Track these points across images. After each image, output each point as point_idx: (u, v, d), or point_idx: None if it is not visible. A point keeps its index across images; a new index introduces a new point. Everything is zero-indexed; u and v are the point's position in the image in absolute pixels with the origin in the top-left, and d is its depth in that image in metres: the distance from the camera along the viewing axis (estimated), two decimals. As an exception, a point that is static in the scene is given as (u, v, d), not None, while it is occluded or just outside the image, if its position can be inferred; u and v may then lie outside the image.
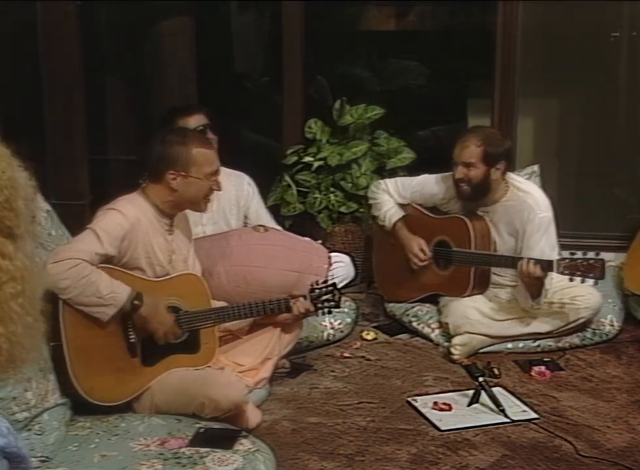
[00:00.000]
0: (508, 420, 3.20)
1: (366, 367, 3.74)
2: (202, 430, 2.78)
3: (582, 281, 3.54)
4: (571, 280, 3.57)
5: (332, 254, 3.87)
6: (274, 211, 4.39)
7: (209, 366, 3.12)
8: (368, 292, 4.55)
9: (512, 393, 3.43)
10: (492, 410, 3.25)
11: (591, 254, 3.54)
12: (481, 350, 3.82)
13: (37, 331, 1.50)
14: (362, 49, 6.15)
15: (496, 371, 3.59)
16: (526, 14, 4.54)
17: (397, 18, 6.06)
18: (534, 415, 3.26)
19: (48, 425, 2.69)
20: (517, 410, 3.29)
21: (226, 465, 2.56)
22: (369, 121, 4.71)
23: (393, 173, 4.51)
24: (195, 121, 3.80)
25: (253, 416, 3.08)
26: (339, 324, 3.98)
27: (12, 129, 4.37)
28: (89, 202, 4.36)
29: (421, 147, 4.86)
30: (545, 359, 3.74)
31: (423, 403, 3.35)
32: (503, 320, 3.87)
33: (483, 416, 3.24)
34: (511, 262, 3.76)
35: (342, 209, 4.57)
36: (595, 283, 3.56)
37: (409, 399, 3.40)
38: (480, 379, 3.30)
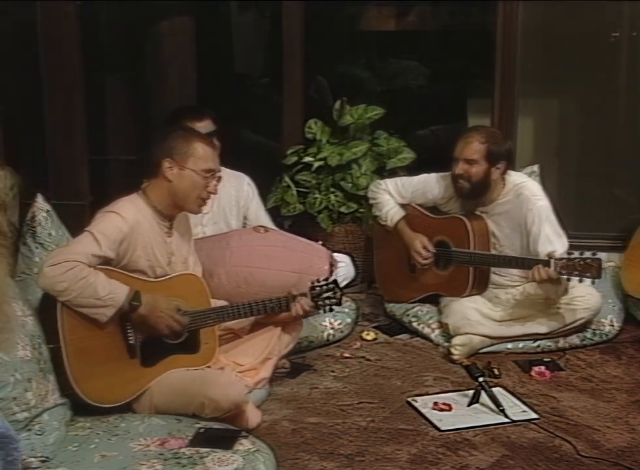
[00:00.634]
0: (508, 420, 3.20)
1: (366, 367, 3.74)
2: (202, 430, 2.78)
3: (580, 281, 3.54)
4: (568, 280, 3.57)
5: (333, 254, 3.86)
6: (274, 211, 4.39)
7: (209, 366, 3.12)
8: (368, 292, 4.55)
9: (512, 394, 3.43)
10: (492, 410, 3.25)
11: (587, 254, 3.54)
12: (481, 351, 3.82)
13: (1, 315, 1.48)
14: (362, 49, 6.15)
15: (496, 371, 3.59)
16: (526, 13, 4.54)
17: (397, 18, 6.06)
18: (534, 415, 3.26)
19: (48, 425, 2.70)
20: (517, 410, 3.29)
21: (226, 465, 2.56)
22: (369, 121, 4.71)
23: (393, 173, 4.51)
24: (204, 126, 3.76)
25: (253, 416, 3.08)
26: (339, 324, 3.99)
27: (12, 129, 4.39)
28: (89, 202, 4.36)
29: (421, 147, 4.86)
30: (545, 359, 3.74)
31: (423, 403, 3.35)
32: (503, 321, 3.87)
33: (483, 416, 3.24)
34: (510, 262, 3.76)
35: (342, 209, 4.58)
36: (593, 283, 3.57)
37: (409, 399, 3.40)
38: (480, 379, 3.30)
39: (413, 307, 4.13)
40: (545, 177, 4.40)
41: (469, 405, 3.30)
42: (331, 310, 3.42)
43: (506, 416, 3.21)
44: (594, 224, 4.65)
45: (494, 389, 3.33)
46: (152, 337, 3.01)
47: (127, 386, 2.97)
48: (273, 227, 3.91)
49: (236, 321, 3.26)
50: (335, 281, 3.40)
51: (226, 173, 3.62)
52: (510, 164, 3.91)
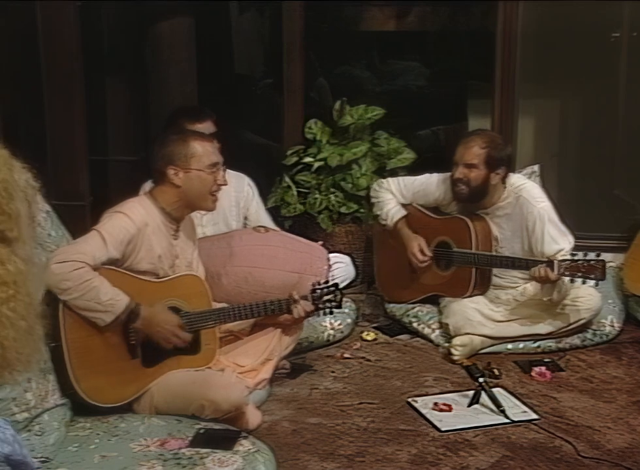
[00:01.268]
0: (508, 421, 3.20)
1: (366, 368, 3.74)
2: (202, 431, 2.78)
3: (583, 282, 3.54)
4: (572, 281, 3.57)
5: (332, 254, 3.88)
6: (274, 212, 4.39)
7: (209, 367, 3.12)
8: (368, 292, 4.55)
9: (513, 394, 3.43)
10: (492, 410, 3.26)
11: (591, 255, 3.54)
12: (481, 351, 3.82)
13: (33, 336, 1.48)
14: (362, 49, 6.15)
15: (496, 372, 3.59)
16: (526, 14, 4.54)
17: (397, 19, 6.06)
18: (534, 416, 3.26)
19: (48, 425, 2.70)
20: (517, 410, 3.29)
21: (226, 466, 2.56)
22: (369, 121, 4.71)
23: (393, 173, 4.51)
24: (205, 128, 3.76)
25: (253, 417, 3.08)
26: (340, 324, 3.99)
27: (11, 130, 4.39)
28: (89, 203, 4.36)
29: (423, 147, 4.86)
30: (545, 360, 3.74)
31: (423, 404, 3.35)
32: (503, 321, 3.87)
33: (483, 416, 3.24)
34: (513, 262, 3.76)
35: (342, 209, 4.58)
36: (596, 284, 3.57)
37: (409, 399, 3.40)
38: (481, 380, 3.30)
39: (413, 308, 4.13)
40: (545, 178, 4.40)
41: (469, 406, 3.30)
42: (331, 312, 3.42)
43: (506, 417, 3.22)
44: (594, 225, 4.65)
45: (494, 389, 3.34)
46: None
47: (127, 386, 2.97)
48: (274, 227, 3.91)
49: (236, 323, 3.26)
50: (336, 284, 3.40)
51: (226, 174, 3.62)
52: (509, 170, 3.89)
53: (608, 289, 4.13)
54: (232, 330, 3.32)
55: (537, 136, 4.87)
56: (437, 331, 3.95)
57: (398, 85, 6.09)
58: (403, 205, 4.14)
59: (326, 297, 3.34)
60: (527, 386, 3.53)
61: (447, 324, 3.86)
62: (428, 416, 3.26)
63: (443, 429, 3.16)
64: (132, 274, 2.99)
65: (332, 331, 3.95)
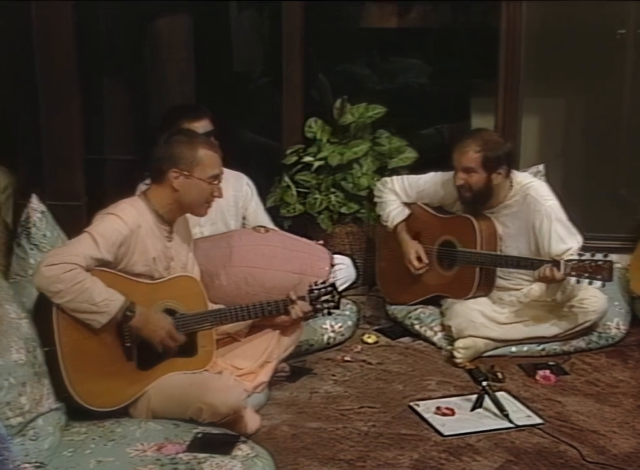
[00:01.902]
0: (512, 425, 3.19)
1: (367, 371, 3.73)
2: (199, 435, 2.78)
3: (590, 283, 3.53)
4: (578, 282, 3.56)
5: (333, 256, 3.86)
6: (273, 212, 4.38)
7: (206, 370, 3.11)
8: (370, 294, 4.55)
9: (517, 398, 3.42)
10: (495, 415, 3.25)
11: (599, 256, 3.53)
12: (485, 354, 3.81)
13: None
14: (363, 47, 6.14)
15: (500, 375, 3.59)
16: (530, 11, 4.54)
17: (398, 15, 6.05)
18: (539, 420, 3.25)
19: (43, 430, 2.69)
20: (521, 415, 3.28)
21: (225, 471, 2.56)
22: (370, 120, 4.71)
23: (395, 173, 4.49)
24: (202, 126, 3.77)
25: (252, 421, 3.07)
26: (340, 327, 3.98)
27: (6, 128, 4.39)
28: (85, 203, 4.35)
29: (426, 146, 4.85)
30: (550, 363, 3.74)
31: (425, 408, 3.34)
32: (507, 324, 3.87)
33: (487, 421, 3.23)
34: (519, 262, 3.75)
35: (343, 210, 4.57)
36: (603, 285, 3.56)
37: (411, 403, 3.39)
38: (484, 383, 3.30)
39: (415, 309, 4.12)
40: (550, 177, 4.39)
41: (472, 410, 3.30)
42: (329, 313, 3.41)
43: (510, 421, 3.21)
44: (599, 225, 4.64)
45: (497, 393, 3.33)
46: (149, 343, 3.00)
47: (123, 390, 2.96)
48: (274, 227, 3.91)
49: (232, 324, 3.25)
50: (333, 284, 3.39)
51: (225, 173, 3.60)
52: (511, 167, 3.88)
53: (614, 291, 4.12)
54: (229, 332, 3.31)
55: (542, 135, 4.87)
56: (440, 334, 3.95)
57: (399, 83, 6.07)
58: (407, 204, 4.13)
59: (323, 298, 3.33)
60: (531, 390, 3.52)
61: (449, 326, 3.86)
62: (430, 420, 3.25)
63: (445, 433, 3.15)
64: (125, 276, 2.98)
65: (332, 334, 3.95)
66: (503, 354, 3.83)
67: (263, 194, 4.22)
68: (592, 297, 3.78)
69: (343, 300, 3.83)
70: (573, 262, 3.53)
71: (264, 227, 3.74)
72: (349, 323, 4.05)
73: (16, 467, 1.97)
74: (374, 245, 4.46)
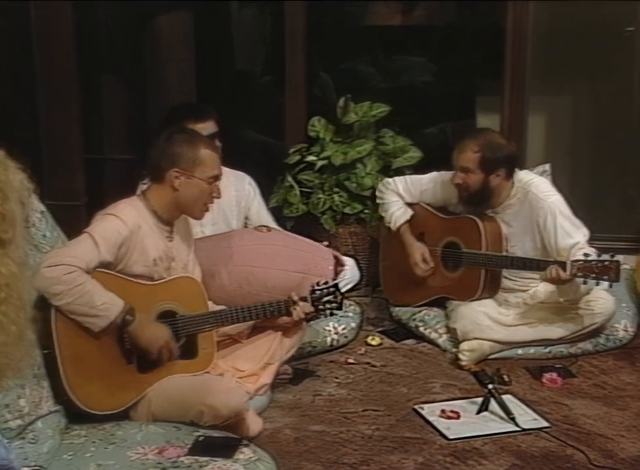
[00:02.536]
0: (518, 429, 3.19)
1: (370, 374, 3.73)
2: (201, 438, 2.77)
3: (597, 284, 3.52)
4: (585, 282, 3.55)
5: (339, 256, 3.86)
6: (276, 212, 4.38)
7: (207, 372, 3.11)
8: (373, 295, 4.55)
9: (523, 401, 3.42)
10: (501, 418, 3.25)
11: (605, 256, 3.52)
12: (491, 357, 3.81)
13: (24, 341, 1.47)
14: (366, 45, 6.14)
15: (506, 378, 3.58)
16: (536, 10, 4.54)
17: (403, 13, 6.05)
18: (545, 423, 3.25)
19: (42, 433, 2.69)
20: (528, 418, 3.28)
21: (227, 475, 2.56)
22: (374, 119, 4.70)
23: (399, 173, 4.49)
24: (206, 127, 3.76)
25: (254, 424, 3.07)
26: (344, 329, 3.98)
27: (5, 127, 4.39)
28: (85, 203, 4.36)
29: (431, 145, 4.85)
30: (557, 365, 3.73)
31: (430, 411, 3.34)
32: (513, 326, 3.86)
33: (492, 424, 3.23)
34: (524, 263, 3.75)
35: (346, 210, 4.57)
36: (610, 286, 3.55)
37: (415, 406, 3.39)
38: (490, 386, 3.29)
39: (420, 311, 4.12)
40: (557, 177, 4.39)
41: (478, 413, 3.29)
42: (332, 314, 3.41)
43: (516, 425, 3.21)
44: (606, 226, 4.63)
45: (503, 396, 3.32)
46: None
47: (123, 393, 2.96)
48: (276, 227, 3.91)
49: (233, 326, 3.25)
50: (336, 285, 3.39)
51: (226, 172, 3.61)
52: (512, 170, 3.85)
53: (621, 293, 4.12)
54: (230, 333, 3.31)
55: (548, 134, 4.87)
56: (445, 336, 3.94)
57: (404, 81, 6.07)
58: (410, 205, 4.13)
59: (326, 299, 3.33)
60: (537, 393, 3.52)
61: (454, 329, 3.85)
62: (435, 423, 3.24)
63: (450, 437, 3.15)
64: (125, 277, 2.98)
65: (335, 336, 3.95)
66: (509, 356, 3.83)
67: (266, 194, 4.22)
68: (600, 299, 3.78)
69: (347, 301, 3.84)
70: (580, 262, 3.52)
71: (267, 227, 3.74)
72: (353, 325, 4.05)
73: None
74: (378, 245, 4.46)
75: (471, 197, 3.85)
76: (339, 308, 3.38)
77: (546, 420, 3.28)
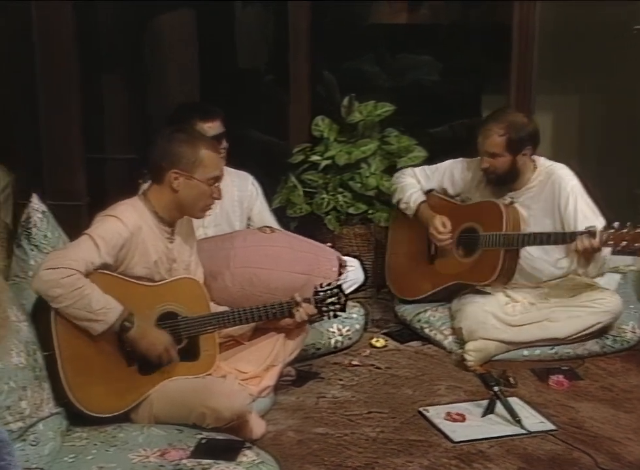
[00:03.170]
0: (524, 432, 3.19)
1: (375, 376, 3.73)
2: (204, 441, 2.78)
3: (628, 253, 3.53)
4: (614, 252, 3.55)
5: (342, 257, 3.86)
6: (279, 212, 4.39)
7: (209, 374, 3.12)
8: (378, 297, 4.55)
9: (529, 404, 3.42)
10: (507, 421, 3.25)
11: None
12: (496, 358, 3.81)
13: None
14: (371, 43, 6.14)
15: (512, 380, 3.59)
16: (543, 8, 4.54)
17: (408, 11, 6.05)
18: (552, 426, 3.25)
19: (43, 435, 2.70)
20: (534, 421, 3.28)
21: (229, 478, 2.57)
22: (379, 118, 4.71)
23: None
24: (214, 128, 3.77)
25: (257, 427, 3.07)
26: (348, 330, 3.98)
27: (5, 127, 4.40)
28: (86, 203, 4.37)
29: (435, 145, 4.85)
30: (563, 367, 3.73)
31: (435, 413, 3.34)
32: (518, 326, 3.87)
33: (498, 427, 3.23)
34: (549, 237, 3.75)
35: (350, 210, 4.57)
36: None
37: (420, 409, 3.39)
38: (496, 388, 3.30)
39: (425, 312, 4.12)
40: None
41: (483, 416, 3.30)
42: (335, 316, 3.41)
43: (522, 427, 3.21)
44: (615, 226, 4.63)
45: (509, 399, 3.33)
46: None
47: (124, 395, 2.96)
48: (279, 228, 3.91)
49: (236, 327, 3.26)
50: (339, 286, 3.39)
51: (229, 172, 3.62)
52: (536, 146, 3.90)
53: (629, 294, 4.12)
54: (232, 335, 3.31)
55: (555, 133, 4.87)
56: (450, 337, 3.95)
57: (409, 80, 6.07)
58: (426, 194, 4.15)
59: (329, 300, 3.33)
60: (544, 395, 3.52)
61: (460, 328, 3.86)
62: (440, 426, 3.25)
63: (456, 440, 3.15)
64: (126, 278, 2.99)
65: (339, 338, 3.95)
66: (515, 358, 3.83)
67: (269, 194, 4.22)
68: (607, 298, 3.80)
69: (351, 303, 3.84)
70: (610, 230, 3.54)
71: (270, 228, 3.74)
72: (357, 326, 4.05)
73: None
74: (382, 246, 4.46)
75: (499, 179, 3.90)
76: (343, 310, 3.39)
77: (553, 422, 3.28)
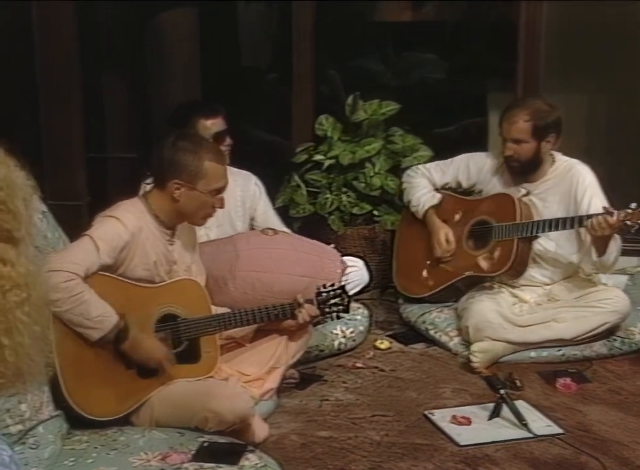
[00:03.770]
0: (531, 435, 3.18)
1: (379, 378, 3.73)
2: (205, 444, 2.78)
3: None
4: (630, 231, 3.57)
5: (345, 258, 3.86)
6: (283, 212, 4.39)
7: (211, 376, 3.11)
8: (382, 298, 4.54)
9: (536, 407, 3.41)
10: (514, 424, 3.24)
11: None
12: (503, 359, 3.80)
13: (45, 341, 1.46)
14: (376, 41, 6.14)
15: (518, 383, 3.58)
16: (550, 8, 4.54)
17: (413, 9, 6.05)
18: (559, 430, 3.24)
19: (43, 438, 2.70)
20: (541, 424, 3.27)
21: (232, 482, 2.56)
22: (383, 117, 4.70)
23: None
24: (215, 125, 3.78)
25: (260, 430, 3.06)
26: (351, 332, 3.97)
27: (5, 126, 4.40)
28: (87, 203, 4.37)
29: (441, 144, 4.84)
30: (570, 370, 3.72)
31: (441, 417, 3.34)
32: (525, 326, 3.86)
33: (505, 430, 3.22)
34: (564, 222, 3.77)
35: (354, 210, 4.57)
36: None
37: (425, 412, 3.38)
38: (502, 391, 3.29)
39: (430, 312, 4.11)
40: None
41: (489, 419, 3.29)
42: (338, 317, 3.40)
43: (529, 431, 3.20)
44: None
45: (516, 402, 3.32)
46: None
47: (124, 399, 2.96)
48: (284, 228, 3.90)
49: (237, 329, 3.25)
50: (342, 287, 3.37)
51: (232, 172, 3.61)
52: (560, 134, 3.92)
53: (636, 295, 4.11)
54: (234, 337, 3.31)
55: (562, 132, 4.85)
56: (456, 339, 3.94)
57: (414, 78, 6.07)
58: (437, 191, 4.16)
59: (332, 301, 3.32)
60: (551, 398, 3.51)
61: (466, 327, 3.85)
62: (445, 429, 3.24)
63: (461, 443, 3.14)
64: (126, 280, 2.98)
65: (343, 340, 3.94)
66: (522, 360, 3.82)
67: (272, 194, 4.22)
68: (614, 298, 3.80)
69: (355, 304, 3.84)
70: (628, 209, 3.57)
71: (273, 230, 3.73)
72: (361, 328, 4.04)
73: None
74: (387, 246, 4.45)
75: (522, 167, 3.91)
76: (346, 311, 3.38)
77: (560, 426, 3.27)
